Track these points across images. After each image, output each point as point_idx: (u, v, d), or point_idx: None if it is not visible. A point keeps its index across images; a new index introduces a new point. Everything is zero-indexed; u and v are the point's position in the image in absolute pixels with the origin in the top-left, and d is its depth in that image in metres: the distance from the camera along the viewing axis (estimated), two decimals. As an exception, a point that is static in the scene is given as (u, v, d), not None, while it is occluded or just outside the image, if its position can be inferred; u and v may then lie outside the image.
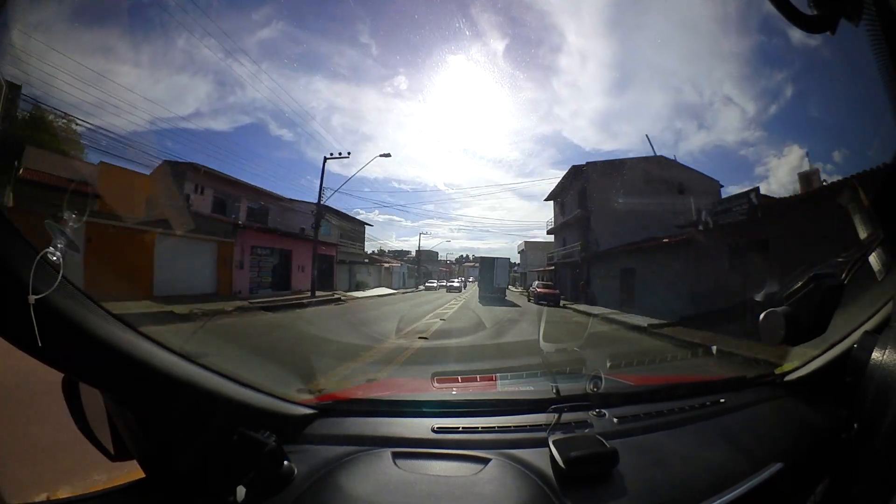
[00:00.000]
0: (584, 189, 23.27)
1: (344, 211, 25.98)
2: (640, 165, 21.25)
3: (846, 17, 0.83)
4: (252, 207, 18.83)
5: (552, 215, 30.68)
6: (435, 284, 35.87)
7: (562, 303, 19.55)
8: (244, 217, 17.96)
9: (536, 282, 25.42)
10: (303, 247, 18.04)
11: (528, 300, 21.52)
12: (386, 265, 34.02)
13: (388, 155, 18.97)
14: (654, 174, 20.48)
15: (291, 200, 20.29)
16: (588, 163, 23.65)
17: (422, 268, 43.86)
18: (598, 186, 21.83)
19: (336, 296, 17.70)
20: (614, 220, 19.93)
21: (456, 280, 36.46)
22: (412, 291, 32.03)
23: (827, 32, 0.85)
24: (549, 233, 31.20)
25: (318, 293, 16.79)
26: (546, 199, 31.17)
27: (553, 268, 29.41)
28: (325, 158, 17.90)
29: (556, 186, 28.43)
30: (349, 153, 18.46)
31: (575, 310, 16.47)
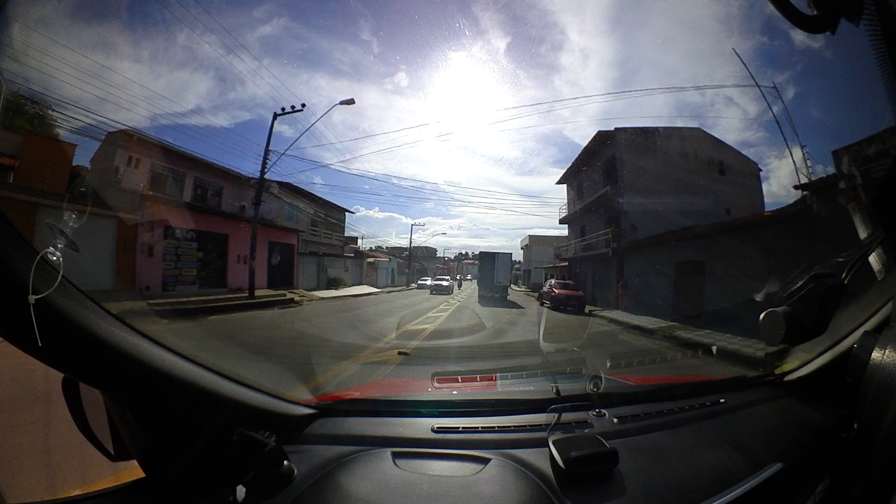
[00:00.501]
0: (612, 162, 18.16)
1: (312, 191, 21.60)
2: (676, 137, 17.34)
3: (846, 17, 0.84)
4: (200, 184, 15.11)
5: (559, 207, 26.24)
6: (429, 282, 28.74)
7: (587, 308, 15.14)
8: (191, 196, 14.36)
9: (552, 280, 19.44)
10: (246, 231, 13.98)
11: (542, 304, 16.91)
12: (370, 259, 29.26)
13: (350, 101, 15.26)
14: (692, 148, 16.73)
15: (250, 178, 16.68)
16: (617, 128, 18.20)
17: (417, 264, 38.76)
18: (631, 158, 17.19)
19: (289, 296, 13.73)
20: (655, 201, 15.53)
21: (445, 278, 28.34)
22: (400, 290, 27.11)
23: (827, 32, 0.85)
24: (561, 222, 26.17)
25: (267, 292, 13.52)
26: (558, 182, 25.93)
27: (566, 264, 24.48)
28: (275, 115, 14.09)
29: (572, 165, 23.13)
30: (303, 105, 15.86)
31: (612, 320, 11.98)
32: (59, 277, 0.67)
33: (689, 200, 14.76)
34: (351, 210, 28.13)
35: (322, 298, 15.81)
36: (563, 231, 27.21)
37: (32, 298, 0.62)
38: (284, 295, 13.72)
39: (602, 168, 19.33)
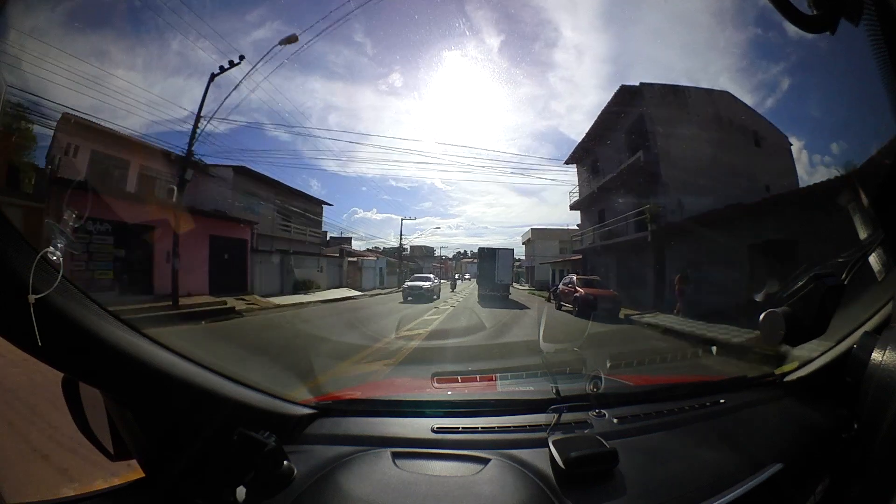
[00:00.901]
0: (640, 124, 14.62)
1: (279, 179, 17.70)
2: (707, 99, 14.38)
3: (846, 17, 0.84)
4: (146, 173, 12.46)
5: (569, 191, 21.98)
6: (425, 284, 18.82)
7: (621, 312, 11.41)
8: (135, 186, 11.92)
9: (572, 276, 14.16)
10: (178, 222, 10.80)
11: (559, 307, 12.98)
12: (352, 259, 24.69)
13: (292, 39, 11.79)
14: (725, 113, 13.83)
15: (207, 165, 13.37)
16: (642, 83, 14.89)
17: (412, 263, 34.07)
18: (664, 118, 13.96)
19: (231, 304, 10.87)
20: (698, 171, 12.42)
21: (427, 277, 19.32)
22: (387, 293, 21.57)
23: (827, 32, 0.85)
24: (573, 208, 22.02)
25: (205, 299, 10.82)
26: (566, 162, 21.46)
27: (579, 257, 20.46)
28: (212, 75, 11.11)
29: (585, 138, 18.58)
30: (242, 57, 11.48)
31: (667, 330, 8.60)
32: (59, 277, 0.67)
33: (730, 174, 12.04)
34: (328, 202, 23.70)
35: (277, 306, 12.53)
36: (570, 224, 23.82)
37: (32, 298, 0.62)
38: (224, 303, 10.85)
39: (625, 134, 15.61)
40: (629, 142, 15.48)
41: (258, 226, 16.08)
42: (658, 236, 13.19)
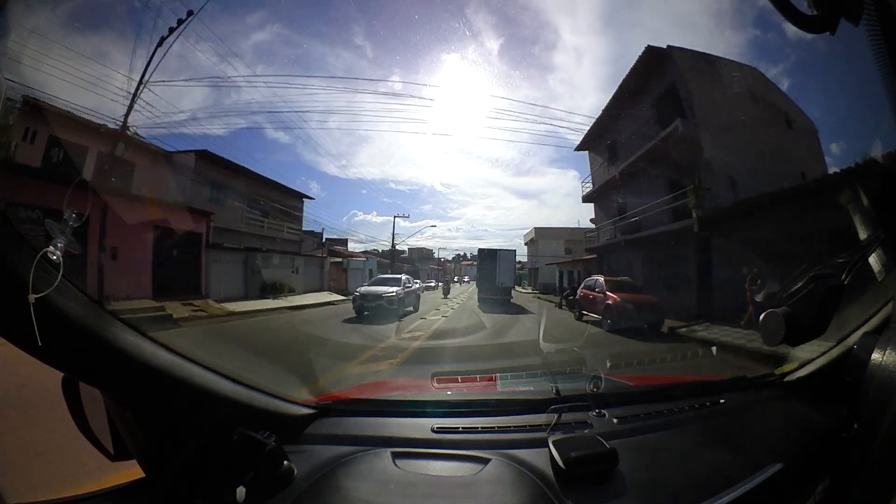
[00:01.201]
0: (672, 92, 12.26)
1: (248, 166, 15.38)
2: (737, 72, 12.21)
3: (846, 17, 0.84)
4: (106, 161, 10.46)
5: (582, 181, 19.56)
6: (390, 290, 11.38)
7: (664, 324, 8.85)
8: (93, 175, 10.07)
9: (597, 277, 10.96)
10: (123, 211, 9.22)
11: (580, 318, 10.45)
12: (335, 259, 21.79)
13: None
14: (757, 90, 11.87)
15: (170, 152, 11.88)
16: (671, 46, 12.61)
17: (409, 265, 30.44)
18: (700, 84, 11.82)
19: (169, 312, 9.13)
20: (743, 148, 10.46)
21: (394, 280, 12.59)
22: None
23: (827, 32, 0.85)
24: (586, 200, 19.00)
25: (143, 304, 9.10)
26: (577, 149, 18.26)
27: (594, 256, 17.52)
28: (162, 38, 9.74)
29: (600, 118, 15.78)
30: (190, 12, 9.27)
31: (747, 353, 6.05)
32: (59, 277, 0.67)
33: (771, 154, 10.30)
34: (309, 195, 20.96)
35: (230, 314, 10.55)
36: (576, 222, 21.75)
37: (32, 298, 0.62)
38: (162, 309, 9.16)
39: (653, 105, 13.06)
40: (658, 114, 12.78)
41: (222, 219, 13.90)
42: (707, 224, 10.41)
